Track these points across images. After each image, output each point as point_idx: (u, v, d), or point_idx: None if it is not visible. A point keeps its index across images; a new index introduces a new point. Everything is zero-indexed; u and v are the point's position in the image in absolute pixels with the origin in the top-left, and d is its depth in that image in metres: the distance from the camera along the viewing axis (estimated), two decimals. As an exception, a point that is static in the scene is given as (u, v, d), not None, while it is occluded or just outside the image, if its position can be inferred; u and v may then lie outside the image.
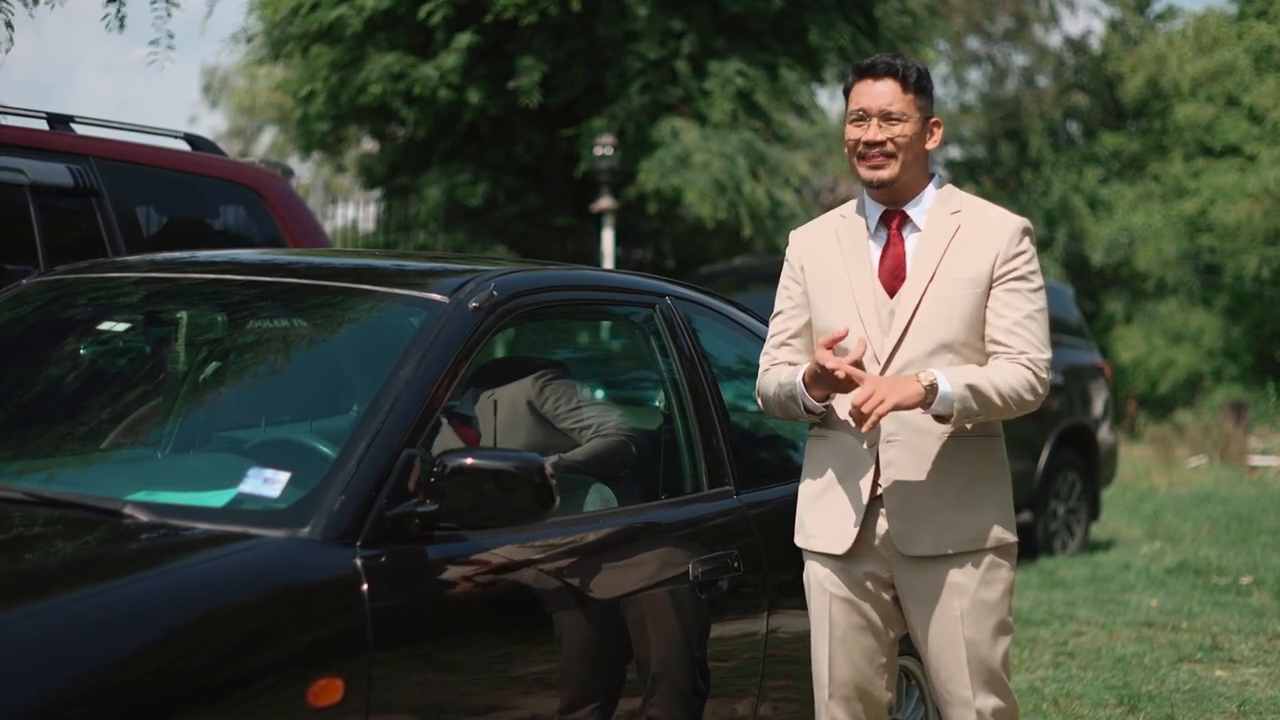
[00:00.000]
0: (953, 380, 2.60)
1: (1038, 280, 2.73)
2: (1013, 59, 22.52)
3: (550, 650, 2.56)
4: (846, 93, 2.78)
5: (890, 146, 2.70)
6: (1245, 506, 10.74)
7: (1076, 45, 22.91)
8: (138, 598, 2.07)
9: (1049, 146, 21.76)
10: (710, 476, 3.02)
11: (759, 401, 2.85)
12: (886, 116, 2.71)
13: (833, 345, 2.63)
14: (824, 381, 2.65)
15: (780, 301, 2.85)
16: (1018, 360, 2.67)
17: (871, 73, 2.74)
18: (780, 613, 3.01)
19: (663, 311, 3.08)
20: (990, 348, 2.71)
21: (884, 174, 2.71)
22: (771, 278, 2.90)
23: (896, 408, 2.57)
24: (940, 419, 2.63)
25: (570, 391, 3.04)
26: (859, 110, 2.73)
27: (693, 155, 10.78)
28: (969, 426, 2.67)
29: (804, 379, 2.69)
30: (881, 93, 2.71)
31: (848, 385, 2.61)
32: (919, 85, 2.73)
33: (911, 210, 2.75)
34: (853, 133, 2.74)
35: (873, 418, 2.55)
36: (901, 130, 2.71)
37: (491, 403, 2.93)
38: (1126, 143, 22.21)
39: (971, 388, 2.61)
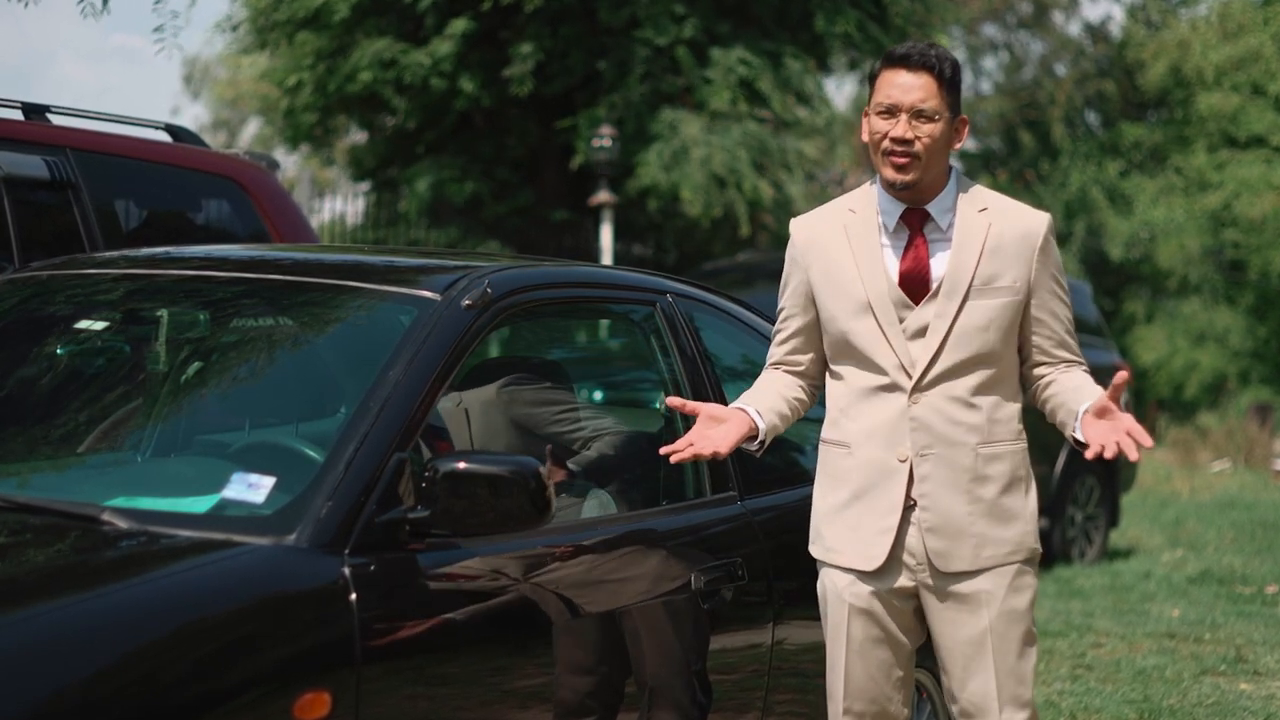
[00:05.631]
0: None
1: (1064, 279, 2.69)
2: (1030, 47, 22.32)
3: (546, 663, 2.50)
4: (872, 79, 2.62)
5: (919, 147, 2.55)
6: (1270, 513, 10.60)
7: (1096, 32, 22.66)
8: (116, 608, 2.02)
9: (1068, 137, 21.55)
10: (713, 482, 2.94)
11: None
12: (919, 114, 2.55)
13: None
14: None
15: (783, 297, 2.74)
16: (1086, 372, 2.64)
17: (905, 63, 2.56)
18: (786, 623, 2.94)
19: (664, 309, 3.01)
20: (1038, 357, 2.64)
21: (908, 177, 2.56)
22: (777, 274, 2.80)
23: None
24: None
25: (548, 394, 2.97)
26: (889, 104, 2.56)
27: (691, 150, 10.63)
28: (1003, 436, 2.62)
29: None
30: (915, 87, 2.55)
31: None
32: (953, 81, 2.59)
33: (933, 208, 2.61)
34: (879, 125, 2.57)
35: None
36: (932, 130, 2.55)
37: (463, 411, 2.86)
38: (1147, 134, 21.95)
39: None
